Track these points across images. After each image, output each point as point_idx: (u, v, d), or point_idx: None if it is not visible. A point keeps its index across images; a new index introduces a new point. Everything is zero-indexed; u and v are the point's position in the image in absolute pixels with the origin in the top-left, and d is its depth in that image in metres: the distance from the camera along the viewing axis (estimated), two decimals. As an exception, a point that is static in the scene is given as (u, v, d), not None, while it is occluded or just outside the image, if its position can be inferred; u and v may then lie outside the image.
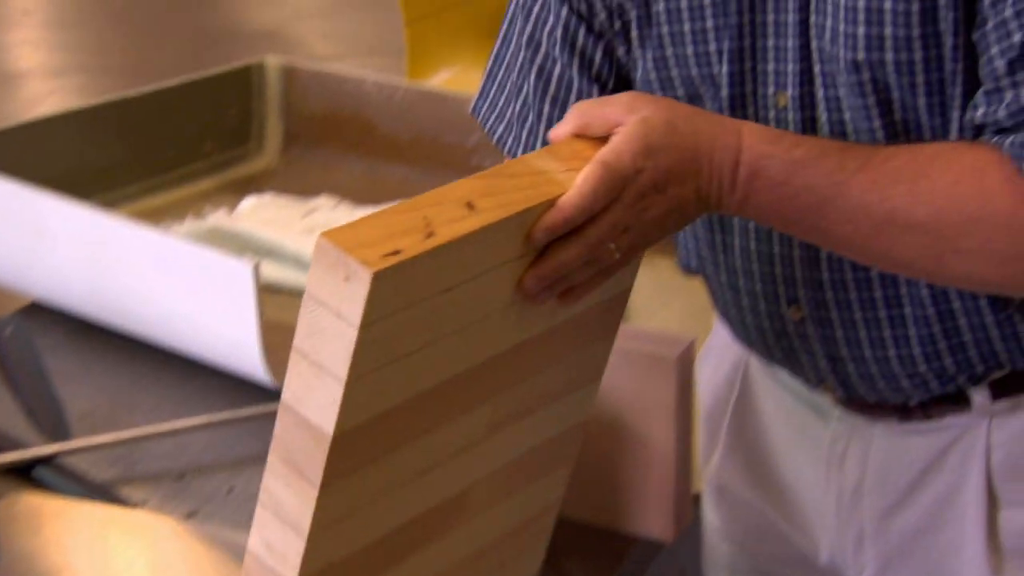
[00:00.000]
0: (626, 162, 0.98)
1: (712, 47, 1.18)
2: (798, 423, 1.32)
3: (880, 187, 1.06)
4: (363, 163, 2.04)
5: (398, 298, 0.85)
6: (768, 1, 1.15)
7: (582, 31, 1.24)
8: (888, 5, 1.08)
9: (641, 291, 1.65)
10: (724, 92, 1.18)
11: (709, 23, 1.18)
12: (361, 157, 2.04)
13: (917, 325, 1.19)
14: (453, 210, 0.89)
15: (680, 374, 1.24)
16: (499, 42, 1.32)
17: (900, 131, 1.12)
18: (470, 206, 0.90)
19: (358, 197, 1.90)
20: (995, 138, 1.06)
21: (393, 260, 0.83)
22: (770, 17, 1.15)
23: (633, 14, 1.21)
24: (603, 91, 1.25)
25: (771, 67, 1.16)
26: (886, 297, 1.19)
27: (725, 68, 1.18)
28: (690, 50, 1.19)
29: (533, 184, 0.94)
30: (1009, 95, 1.05)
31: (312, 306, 0.84)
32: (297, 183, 1.99)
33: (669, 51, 1.20)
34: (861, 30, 1.10)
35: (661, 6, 1.19)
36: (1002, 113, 1.06)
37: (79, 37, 5.96)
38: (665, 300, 1.60)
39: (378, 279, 0.82)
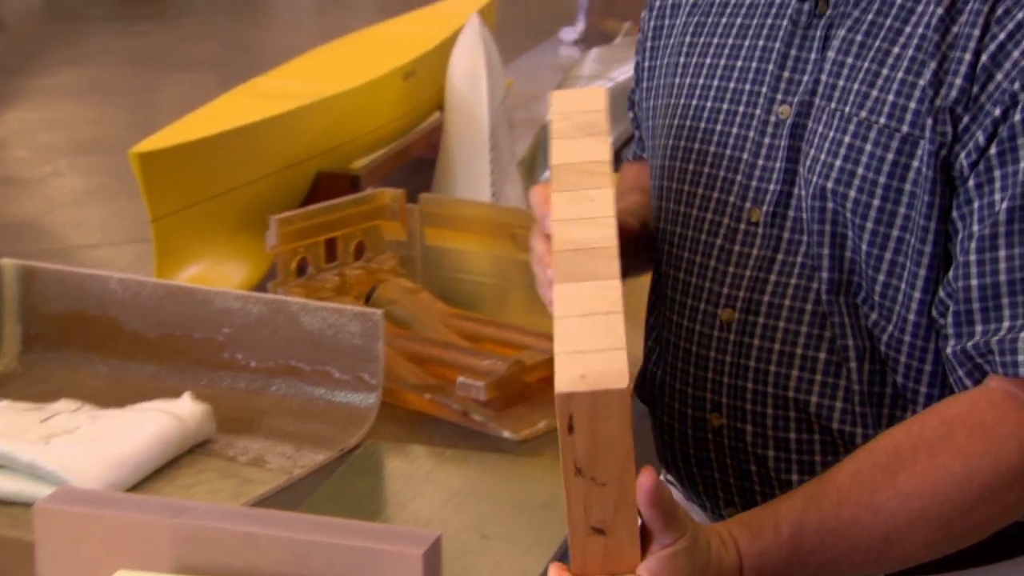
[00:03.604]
0: None
1: (711, 148, 1.28)
2: None
3: (866, 505, 1.08)
4: (109, 363, 1.97)
5: None
6: (768, 126, 1.23)
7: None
8: (868, 147, 1.15)
9: (394, 481, 1.62)
10: (703, 191, 1.28)
11: (718, 127, 1.30)
12: (106, 357, 1.97)
13: (824, 453, 1.21)
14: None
15: (427, 570, 1.21)
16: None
17: (846, 269, 1.18)
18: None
19: (103, 399, 1.83)
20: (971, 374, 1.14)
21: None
22: (766, 140, 1.23)
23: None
24: None
25: (753, 183, 1.23)
26: (798, 419, 1.22)
27: (718, 173, 1.27)
28: (683, 144, 1.30)
29: None
30: (979, 330, 1.11)
31: None
32: (37, 388, 1.90)
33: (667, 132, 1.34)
34: (838, 163, 1.17)
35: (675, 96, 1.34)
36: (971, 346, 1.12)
37: None
38: (417, 490, 1.58)
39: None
